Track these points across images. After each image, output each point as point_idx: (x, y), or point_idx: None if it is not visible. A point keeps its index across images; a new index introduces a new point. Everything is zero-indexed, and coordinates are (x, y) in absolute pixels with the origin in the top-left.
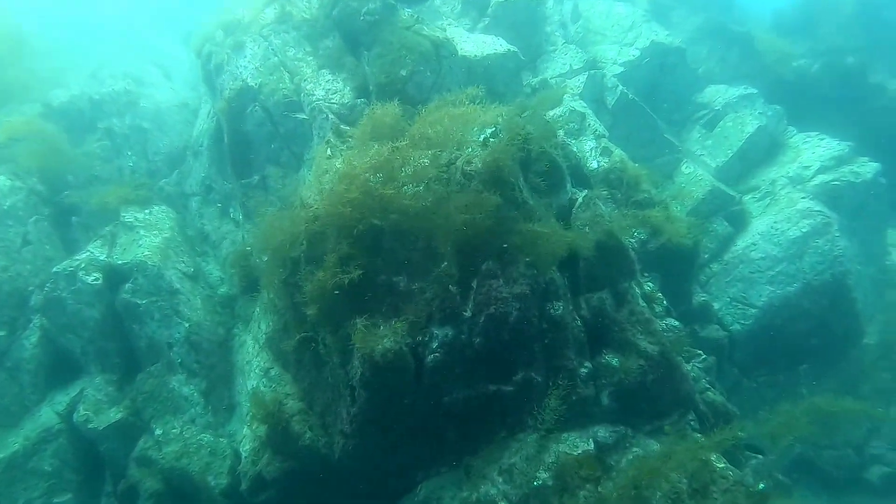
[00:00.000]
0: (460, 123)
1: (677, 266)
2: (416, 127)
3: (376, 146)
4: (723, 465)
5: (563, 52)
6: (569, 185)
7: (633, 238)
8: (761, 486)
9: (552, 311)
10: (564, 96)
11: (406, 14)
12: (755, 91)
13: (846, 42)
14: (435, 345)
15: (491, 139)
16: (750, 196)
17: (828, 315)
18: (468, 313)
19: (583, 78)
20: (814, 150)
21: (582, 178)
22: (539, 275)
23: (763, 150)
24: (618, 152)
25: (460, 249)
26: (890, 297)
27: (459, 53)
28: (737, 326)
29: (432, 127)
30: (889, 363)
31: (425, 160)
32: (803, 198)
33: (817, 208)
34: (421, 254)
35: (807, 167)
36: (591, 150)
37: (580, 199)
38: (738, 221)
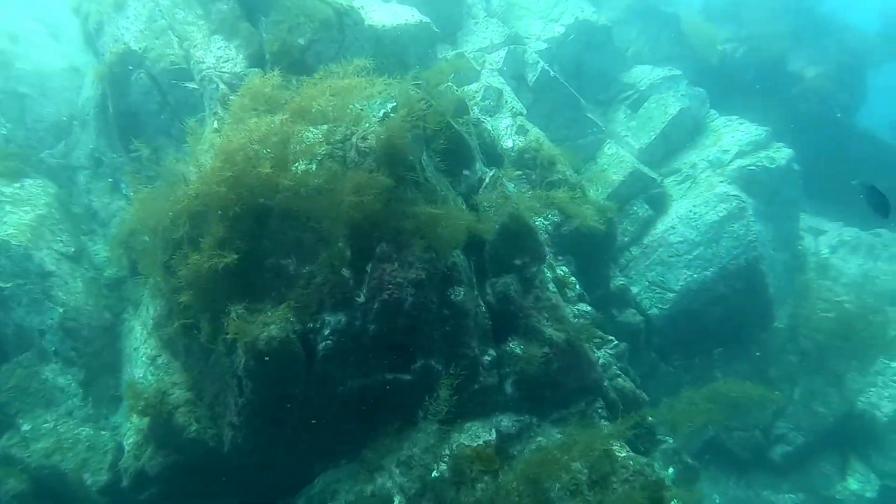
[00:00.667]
0: (350, 96)
1: (592, 250)
2: (298, 99)
3: (255, 120)
4: (625, 454)
5: (485, 25)
6: (478, 164)
7: (546, 221)
8: (671, 470)
9: (453, 296)
10: (482, 72)
11: None
12: (679, 73)
13: (769, 29)
14: (327, 332)
15: (392, 114)
16: (671, 179)
17: (742, 300)
18: (361, 299)
19: (502, 53)
20: (733, 135)
21: (496, 157)
22: (438, 259)
23: (686, 133)
24: (534, 131)
25: (354, 231)
26: (800, 282)
27: (367, 23)
28: (655, 311)
29: (317, 100)
30: (796, 347)
31: (318, 135)
32: (721, 182)
33: (734, 192)
34: (312, 236)
35: (726, 151)
36: (506, 128)
37: (487, 180)
38: (659, 204)
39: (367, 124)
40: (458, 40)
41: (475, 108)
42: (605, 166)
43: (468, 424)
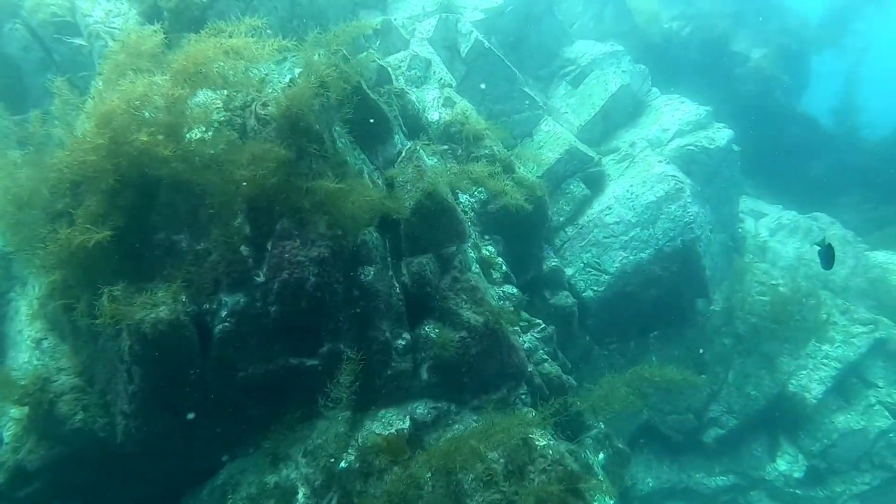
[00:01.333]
0: (253, 59)
1: (522, 230)
2: (181, 60)
3: (133, 80)
4: (544, 444)
5: None
6: (398, 137)
7: (472, 198)
8: (601, 455)
9: (363, 276)
10: (411, 41)
11: None
12: (621, 49)
13: (715, 8)
14: (224, 313)
15: (300, 80)
16: (610, 157)
17: (678, 282)
18: (261, 278)
19: (434, 21)
20: (673, 114)
21: (420, 130)
22: (344, 237)
23: (626, 111)
24: (462, 104)
25: (252, 206)
26: (738, 265)
27: None
28: (589, 293)
29: (211, 62)
30: (730, 329)
31: (216, 100)
32: (659, 161)
33: (671, 173)
34: (208, 210)
35: (665, 130)
36: (433, 100)
37: (403, 153)
38: (596, 184)
39: (271, 90)
40: (388, 6)
41: (400, 77)
42: (542, 143)
43: (382, 412)
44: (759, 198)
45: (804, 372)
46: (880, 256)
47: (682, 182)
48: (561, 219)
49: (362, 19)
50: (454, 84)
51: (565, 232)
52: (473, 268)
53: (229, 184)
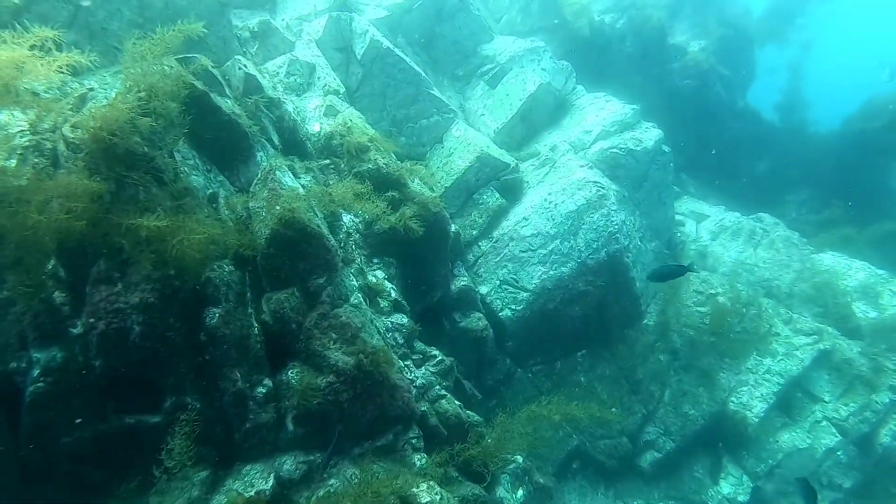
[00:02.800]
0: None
1: (418, 249)
2: None
3: None
4: (428, 499)
5: None
6: (261, 155)
7: (356, 218)
8: (520, 493)
9: (209, 319)
10: (296, 43)
11: None
12: (542, 44)
13: None
14: (36, 372)
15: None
16: (529, 163)
17: (605, 296)
18: (78, 329)
19: (323, 21)
20: (598, 114)
21: (298, 144)
22: (179, 277)
23: (548, 111)
24: (347, 112)
25: (65, 247)
26: None
27: None
28: (507, 312)
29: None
30: (666, 344)
31: (21, 122)
32: (581, 166)
33: (593, 178)
34: (13, 252)
35: (587, 132)
36: (315, 109)
37: (258, 174)
38: (513, 192)
39: (88, 109)
40: (277, 6)
41: (279, 86)
42: (452, 150)
43: (246, 468)
44: (701, 198)
45: (745, 388)
46: (826, 259)
47: (605, 188)
48: (474, 232)
49: (239, 22)
50: (342, 90)
51: (479, 246)
52: (353, 298)
53: (34, 223)
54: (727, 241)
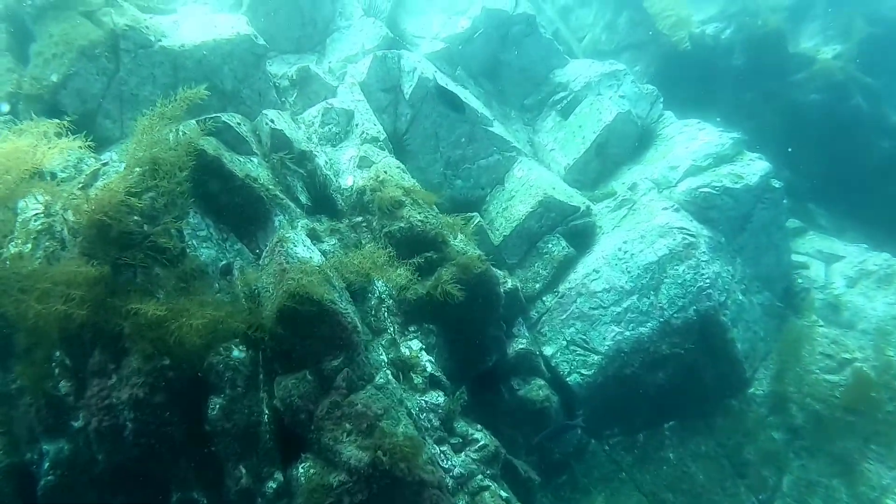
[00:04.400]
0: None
1: (463, 313)
2: None
3: None
4: None
5: (359, 27)
6: (279, 219)
7: (387, 283)
8: None
9: (210, 411)
10: (339, 87)
11: None
12: (622, 67)
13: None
14: (46, 465)
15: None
16: (604, 204)
17: (696, 361)
18: (79, 422)
19: (367, 62)
20: (687, 145)
21: (328, 201)
22: (177, 366)
23: (629, 144)
24: (382, 163)
25: (67, 336)
26: (790, 330)
27: (162, 44)
28: (576, 377)
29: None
30: (782, 419)
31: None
32: (664, 209)
33: (678, 224)
34: (24, 340)
35: (674, 167)
36: (349, 160)
37: (269, 245)
38: (583, 239)
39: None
40: (326, 49)
41: (313, 136)
42: (513, 193)
43: None
44: (833, 234)
45: None
46: None
47: (693, 235)
48: (537, 286)
49: (279, 70)
50: (382, 137)
51: (543, 301)
52: (379, 377)
53: (39, 311)
54: (871, 290)
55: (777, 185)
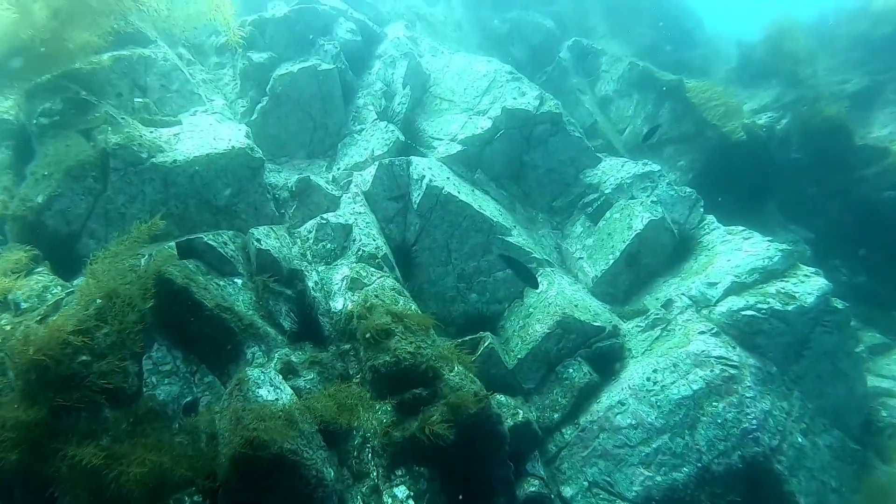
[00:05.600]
0: None
1: (460, 452)
2: None
3: None
4: None
5: (371, 131)
6: (252, 351)
7: (366, 424)
8: None
9: None
10: (342, 198)
11: (106, 109)
12: (657, 168)
13: (829, 86)
14: None
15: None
16: (635, 323)
17: None
18: None
19: (373, 170)
20: (730, 257)
21: (313, 326)
22: None
23: (664, 254)
24: (376, 284)
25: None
26: (877, 482)
27: (155, 160)
28: None
29: None
30: None
31: None
32: (701, 333)
33: (717, 352)
34: None
35: (713, 284)
36: (342, 280)
37: (229, 386)
38: (609, 364)
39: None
40: (338, 153)
41: (307, 254)
42: (532, 309)
43: None
44: None
45: None
46: None
47: (735, 366)
48: (555, 416)
49: (280, 181)
50: (381, 253)
51: (562, 434)
52: None
53: None
54: None
55: (840, 307)
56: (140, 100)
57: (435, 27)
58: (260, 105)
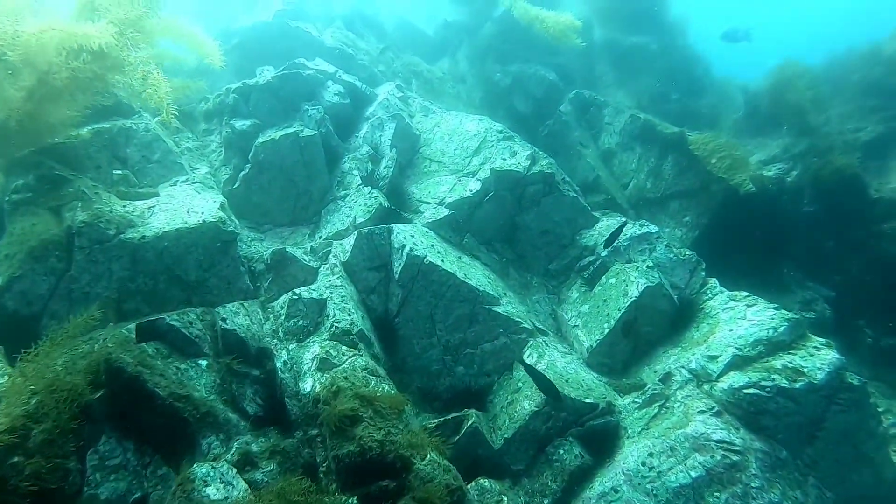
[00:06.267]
0: None
1: None
2: None
3: None
4: None
5: (355, 197)
6: (207, 442)
7: None
8: None
9: None
10: (320, 269)
11: (79, 185)
12: (654, 230)
13: (842, 135)
14: None
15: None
16: (630, 399)
17: None
18: None
19: (352, 239)
20: (732, 326)
21: (279, 411)
22: None
23: (664, 321)
24: (347, 364)
25: None
26: None
27: (123, 237)
28: None
29: None
30: None
31: None
32: (701, 412)
33: (717, 435)
34: None
35: (713, 357)
36: (311, 360)
37: (173, 487)
38: (603, 444)
39: None
40: (322, 220)
41: (279, 330)
42: (520, 384)
43: None
44: None
45: None
46: None
47: (738, 451)
48: (545, 501)
49: (256, 253)
50: (356, 329)
51: None
52: None
53: None
54: None
55: (856, 383)
56: (119, 171)
57: (432, 84)
58: (243, 173)
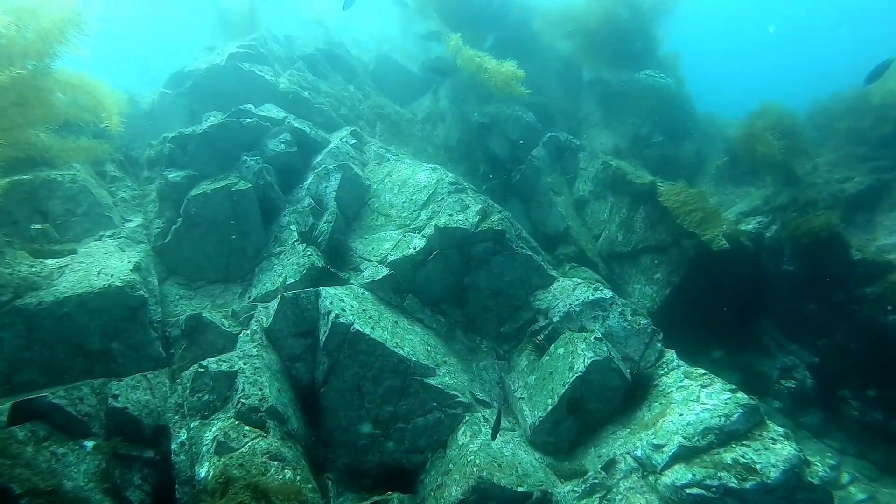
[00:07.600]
0: None
1: None
2: None
3: None
4: None
5: (289, 255)
6: None
7: None
8: None
9: None
10: (240, 336)
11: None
12: (608, 295)
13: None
14: None
15: None
16: (570, 488)
17: None
18: None
19: (275, 303)
20: (683, 409)
21: (171, 500)
22: None
23: (615, 398)
24: (247, 448)
25: None
26: None
27: (18, 302)
28: None
29: None
30: None
31: None
32: None
33: None
34: None
35: (658, 446)
36: (211, 441)
37: None
38: None
39: None
40: (255, 278)
41: (184, 405)
42: (451, 465)
43: None
44: None
45: None
46: None
47: None
48: None
49: (158, 322)
50: (266, 405)
51: None
52: None
53: None
54: None
55: (816, 482)
56: (39, 226)
57: (399, 126)
58: (175, 227)
